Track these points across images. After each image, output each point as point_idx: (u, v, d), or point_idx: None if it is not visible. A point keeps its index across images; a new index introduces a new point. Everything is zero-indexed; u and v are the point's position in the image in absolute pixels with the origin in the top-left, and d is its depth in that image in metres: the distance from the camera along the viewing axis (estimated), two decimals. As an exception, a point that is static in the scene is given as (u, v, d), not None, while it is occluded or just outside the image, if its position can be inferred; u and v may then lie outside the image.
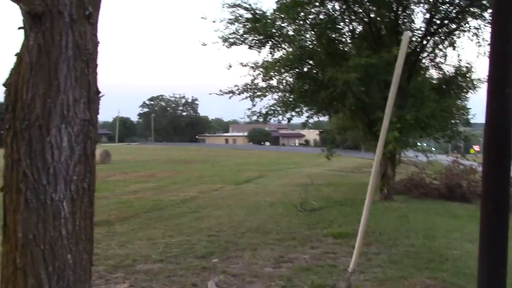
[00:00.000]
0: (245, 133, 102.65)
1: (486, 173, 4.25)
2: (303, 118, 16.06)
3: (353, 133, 18.67)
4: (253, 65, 14.81)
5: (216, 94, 15.39)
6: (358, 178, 23.85)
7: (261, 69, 14.57)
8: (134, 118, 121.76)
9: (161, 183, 20.38)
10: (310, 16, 14.25)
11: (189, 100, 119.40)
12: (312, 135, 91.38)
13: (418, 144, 20.69)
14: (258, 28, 13.96)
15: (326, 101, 13.84)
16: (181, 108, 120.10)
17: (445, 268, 6.31)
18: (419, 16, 15.30)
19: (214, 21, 14.45)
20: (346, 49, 15.43)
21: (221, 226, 9.78)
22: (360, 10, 14.32)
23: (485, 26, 14.14)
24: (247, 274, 5.95)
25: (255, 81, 14.91)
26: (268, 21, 13.89)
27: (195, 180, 22.33)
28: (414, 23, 15.19)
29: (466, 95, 17.04)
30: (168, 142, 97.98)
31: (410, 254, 7.15)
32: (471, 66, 15.57)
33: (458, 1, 13.82)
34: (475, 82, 15.99)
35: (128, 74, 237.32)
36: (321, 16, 14.45)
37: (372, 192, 4.40)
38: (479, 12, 13.74)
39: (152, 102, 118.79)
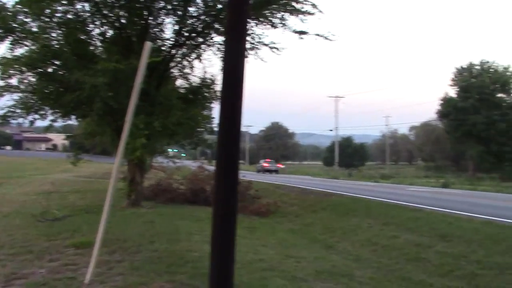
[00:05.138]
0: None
1: (218, 179, 4.60)
2: (47, 122, 15.02)
3: (102, 139, 18.21)
4: (-12, 61, 13.20)
5: None
6: (107, 184, 23.20)
7: (-2, 66, 13.07)
8: None
9: None
10: (57, 14, 13.46)
11: None
12: (60, 139, 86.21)
13: (170, 150, 21.35)
14: (-5, 21, 12.55)
15: (73, 104, 13.19)
16: None
17: (184, 270, 6.60)
18: (169, 27, 15.77)
19: None
20: (96, 52, 15.04)
21: None
22: (111, 14, 14.08)
23: (227, 42, 15.35)
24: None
25: (-9, 79, 13.28)
26: (8, 13, 12.62)
27: None
28: (164, 32, 15.65)
29: (211, 105, 18.27)
30: None
31: (153, 259, 7.27)
32: (215, 79, 16.73)
33: (204, 17, 14.71)
34: (218, 94, 17.20)
35: None
36: (70, 16, 13.78)
37: (110, 199, 4.34)
38: (222, 29, 14.86)
39: None
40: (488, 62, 64.68)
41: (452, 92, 66.93)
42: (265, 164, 56.64)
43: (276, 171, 53.84)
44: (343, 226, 13.29)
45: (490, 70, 64.07)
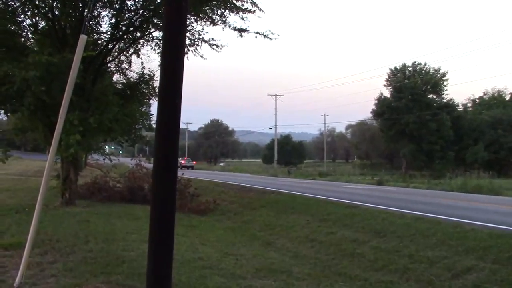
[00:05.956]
0: None
1: (156, 176, 4.49)
2: (-28, 116, 14.25)
3: (34, 135, 17.44)
4: None
5: None
6: (39, 183, 22.40)
7: None
8: None
9: None
10: (-17, 3, 12.79)
11: None
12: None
13: (106, 147, 20.76)
14: None
15: (1, 98, 12.58)
16: None
17: (120, 270, 6.43)
18: (106, 20, 15.34)
19: None
20: (27, 44, 14.40)
21: None
22: (43, 5, 13.50)
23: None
24: None
25: None
26: None
27: None
28: (100, 26, 15.20)
29: (149, 102, 17.94)
30: None
31: (88, 259, 7.04)
32: (154, 75, 16.44)
33: (142, 11, 14.39)
34: (157, 90, 16.89)
35: None
36: (-2, 5, 13.12)
37: (42, 198, 4.14)
38: (161, 24, 14.60)
39: None
40: (420, 64, 67.50)
41: (387, 92, 69.39)
42: (182, 161, 67.81)
43: (192, 167, 65.52)
44: (282, 223, 13.42)
45: (422, 71, 66.85)
